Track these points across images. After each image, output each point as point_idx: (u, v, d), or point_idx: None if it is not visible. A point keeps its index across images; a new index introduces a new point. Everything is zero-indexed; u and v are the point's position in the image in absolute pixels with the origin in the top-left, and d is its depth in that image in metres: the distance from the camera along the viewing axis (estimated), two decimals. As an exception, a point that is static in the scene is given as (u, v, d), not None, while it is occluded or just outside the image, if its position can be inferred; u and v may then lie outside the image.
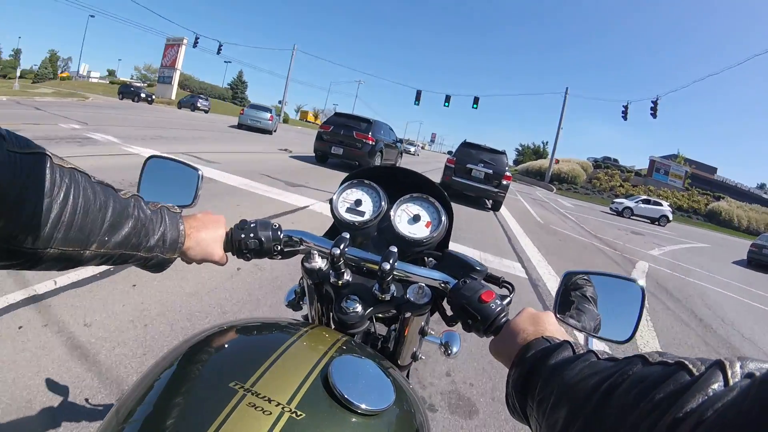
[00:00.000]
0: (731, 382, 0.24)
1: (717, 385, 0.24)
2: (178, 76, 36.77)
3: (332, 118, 9.58)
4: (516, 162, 65.47)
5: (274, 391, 0.38)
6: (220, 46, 30.78)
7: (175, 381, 0.40)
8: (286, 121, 44.58)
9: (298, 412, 0.37)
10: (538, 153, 60.58)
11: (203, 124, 14.88)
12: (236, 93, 48.01)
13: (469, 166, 8.41)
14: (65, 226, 0.39)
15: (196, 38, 29.95)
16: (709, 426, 0.22)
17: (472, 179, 8.33)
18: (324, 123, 9.62)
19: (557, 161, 31.35)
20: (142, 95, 24.22)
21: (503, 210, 8.17)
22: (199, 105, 26.08)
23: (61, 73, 53.14)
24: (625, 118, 24.44)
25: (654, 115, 21.56)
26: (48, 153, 0.37)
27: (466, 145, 8.83)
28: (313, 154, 9.14)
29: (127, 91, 25.77)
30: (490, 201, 8.31)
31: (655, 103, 21.73)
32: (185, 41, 33.93)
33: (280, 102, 42.27)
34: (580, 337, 0.59)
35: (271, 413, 0.36)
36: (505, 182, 7.92)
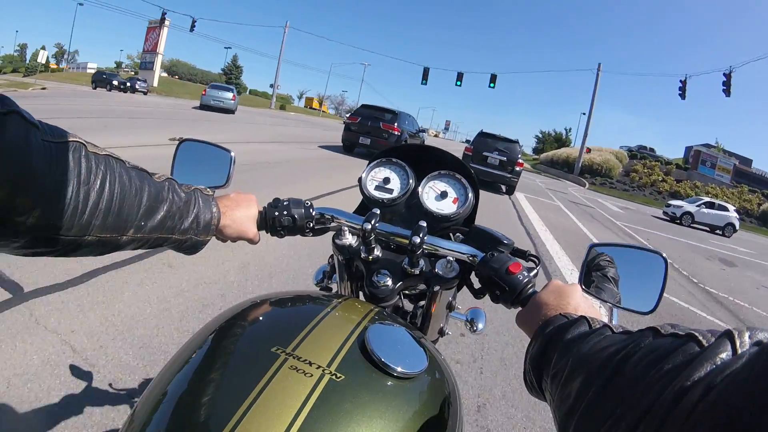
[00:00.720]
0: (740, 351, 0.25)
1: (725, 354, 0.25)
2: (159, 61, 35.76)
3: (359, 109, 10.38)
4: (536, 151, 60.82)
5: (314, 355, 0.41)
6: (194, 22, 29.91)
7: (215, 350, 0.43)
8: (283, 107, 42.13)
9: (338, 374, 0.40)
10: (560, 141, 56.89)
11: (145, 110, 13.43)
12: (230, 78, 46.74)
13: (485, 153, 9.48)
14: (103, 213, 0.41)
15: (193, 22, 29.56)
16: (718, 392, 0.22)
17: (488, 166, 9.22)
18: (352, 115, 10.46)
19: (588, 150, 28.25)
20: (115, 83, 24.72)
21: (544, 237, 5.76)
22: (138, 87, 26.47)
23: (54, 64, 53.93)
24: (683, 96, 21.42)
25: (727, 93, 18.65)
26: (82, 141, 0.40)
27: (482, 135, 9.93)
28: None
29: (100, 80, 25.67)
30: (505, 186, 9.26)
31: (728, 76, 18.40)
32: (168, 23, 33.11)
33: (271, 86, 39.99)
34: (605, 309, 0.60)
35: (312, 375, 0.39)
36: (518, 168, 8.93)
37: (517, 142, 9.79)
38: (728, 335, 0.27)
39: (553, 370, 0.38)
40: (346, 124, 10.01)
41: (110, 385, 1.38)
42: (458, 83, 23.19)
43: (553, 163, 30.03)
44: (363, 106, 10.77)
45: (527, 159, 53.72)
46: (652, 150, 35.47)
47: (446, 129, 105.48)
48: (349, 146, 9.23)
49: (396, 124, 9.90)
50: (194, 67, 45.36)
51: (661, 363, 0.28)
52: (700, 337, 0.28)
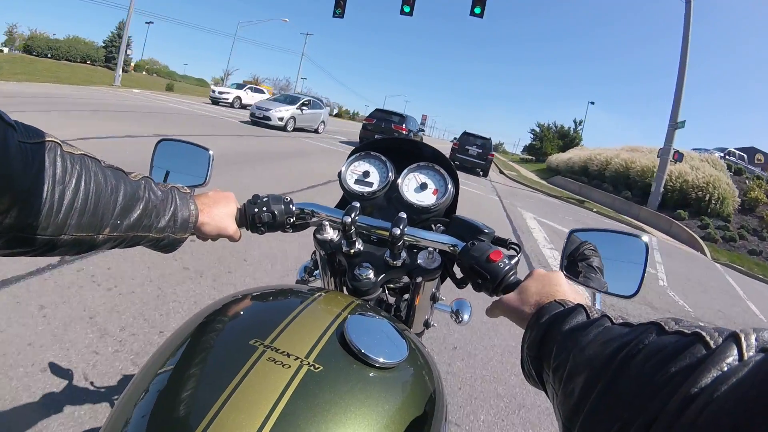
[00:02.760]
0: (746, 356, 0.27)
1: (731, 359, 0.27)
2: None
3: (374, 113, 14.92)
4: (532, 150, 49.46)
5: (292, 347, 0.44)
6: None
7: (195, 345, 0.48)
8: (171, 87, 30.42)
9: (316, 365, 0.43)
10: (567, 137, 44.04)
11: None
12: (112, 54, 34.88)
13: (466, 147, 15.36)
14: (78, 212, 0.44)
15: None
16: (723, 401, 0.24)
17: (469, 155, 15.20)
18: (368, 117, 15.06)
19: (676, 155, 13.83)
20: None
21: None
22: None
23: None
24: None
25: None
26: (58, 141, 0.44)
27: (465, 134, 16.14)
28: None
29: None
30: (480, 170, 15.26)
31: None
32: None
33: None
34: (588, 293, 0.69)
35: (290, 366, 0.42)
36: (489, 157, 15.30)
37: (489, 139, 15.61)
38: (734, 337, 0.28)
39: (555, 362, 0.41)
40: (363, 124, 14.80)
41: (91, 383, 1.48)
42: (477, 10, 12.06)
43: (573, 171, 20.23)
44: (377, 110, 15.18)
45: (514, 159, 50.14)
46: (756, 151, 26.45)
47: (423, 124, 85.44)
48: None
49: (404, 124, 14.08)
50: (56, 38, 36.02)
51: (667, 365, 0.29)
52: (707, 338, 0.29)
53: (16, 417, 1.28)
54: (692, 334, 0.30)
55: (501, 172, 21.13)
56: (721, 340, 0.28)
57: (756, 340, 0.27)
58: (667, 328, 0.33)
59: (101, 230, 0.48)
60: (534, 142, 46.44)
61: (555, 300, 0.48)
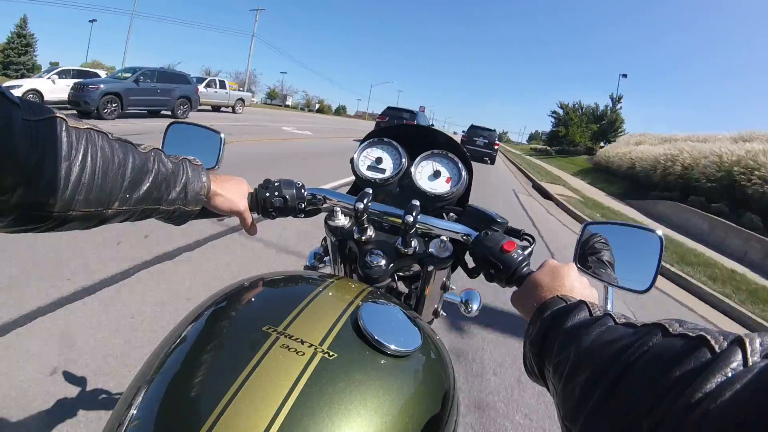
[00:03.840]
0: (750, 361, 0.28)
1: (736, 364, 0.28)
2: None
3: (386, 111, 17.00)
4: (553, 138, 39.21)
5: (306, 334, 0.46)
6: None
7: (207, 331, 0.50)
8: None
9: (330, 353, 0.45)
10: (603, 120, 34.44)
11: None
12: (10, 57, 30.28)
13: (474, 138, 18.32)
14: (86, 187, 0.46)
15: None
16: (725, 407, 0.25)
17: (476, 146, 18.04)
18: (381, 114, 17.10)
19: None
20: None
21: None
22: None
23: None
24: None
25: None
26: (62, 116, 0.45)
27: (472, 127, 19.21)
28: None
29: None
30: (488, 158, 18.14)
31: None
32: None
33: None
34: (601, 287, 0.72)
35: (304, 354, 0.44)
36: (495, 147, 18.37)
37: (494, 130, 18.80)
38: (739, 342, 0.29)
39: (556, 359, 0.42)
40: (377, 122, 17.08)
41: (105, 390, 1.56)
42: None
43: (649, 177, 13.64)
44: (389, 108, 17.37)
45: (524, 149, 48.35)
46: None
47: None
48: None
49: (415, 121, 15.88)
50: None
51: (671, 369, 0.30)
52: (712, 341, 0.30)
53: (28, 423, 1.39)
54: (697, 338, 0.31)
55: (536, 186, 12.73)
56: (726, 344, 0.30)
57: (761, 345, 0.29)
58: (671, 330, 0.34)
59: (110, 204, 0.50)
60: (557, 129, 35.88)
61: (558, 295, 0.51)
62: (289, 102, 72.90)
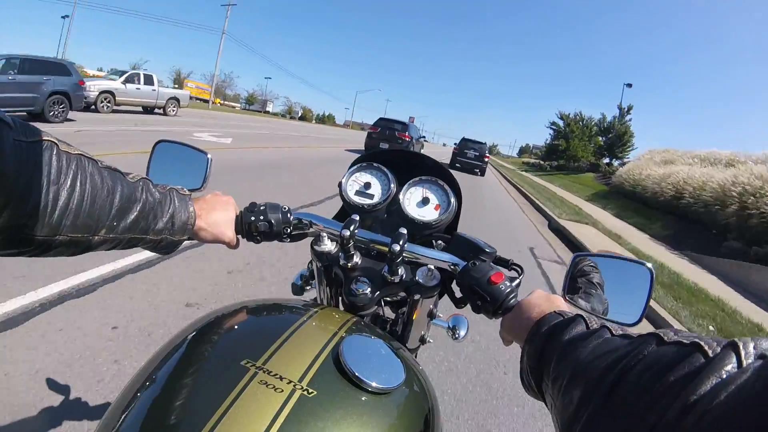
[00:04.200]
0: (744, 364, 0.29)
1: (730, 367, 0.29)
2: None
3: (378, 122, 17.33)
4: (551, 152, 35.05)
5: (285, 369, 0.46)
6: None
7: (185, 361, 0.50)
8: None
9: (310, 390, 0.44)
10: (610, 133, 30.95)
11: None
12: None
13: (465, 151, 20.20)
14: (73, 213, 0.47)
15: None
16: (721, 408, 0.26)
17: (467, 158, 19.91)
18: (372, 125, 17.56)
19: None
20: None
21: None
22: None
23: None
24: None
25: None
26: (54, 140, 0.46)
27: (464, 140, 20.79)
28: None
29: None
30: (478, 170, 19.93)
31: None
32: None
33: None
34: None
35: (282, 390, 0.43)
36: (485, 159, 20.18)
37: (485, 143, 20.48)
38: (733, 346, 0.30)
39: (554, 373, 0.44)
40: (368, 132, 17.36)
41: (83, 400, 1.60)
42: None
43: (695, 213, 10.17)
44: (381, 119, 17.75)
45: (515, 163, 47.34)
46: None
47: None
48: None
49: (407, 132, 16.43)
50: None
51: (666, 375, 0.31)
52: (705, 347, 0.31)
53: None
54: (691, 344, 0.33)
55: (555, 227, 8.73)
56: (719, 348, 0.31)
57: (754, 348, 0.30)
58: (665, 338, 0.35)
59: (97, 231, 0.51)
60: (556, 142, 31.84)
61: (554, 311, 0.52)
62: (269, 108, 71.32)
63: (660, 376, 0.31)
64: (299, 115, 77.23)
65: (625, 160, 27.96)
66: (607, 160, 29.47)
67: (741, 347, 0.29)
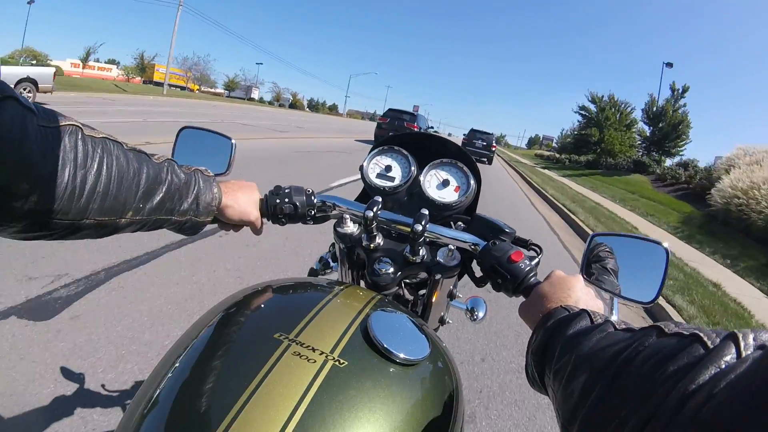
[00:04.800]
0: (744, 354, 0.30)
1: (729, 357, 0.30)
2: None
3: (387, 113, 19.20)
4: (579, 143, 28.36)
5: (317, 341, 0.49)
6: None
7: (217, 337, 0.53)
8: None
9: (341, 360, 0.47)
10: (661, 119, 23.72)
11: None
12: None
13: (474, 141, 22.36)
14: (100, 196, 0.49)
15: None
16: (720, 397, 0.27)
17: (475, 147, 21.82)
18: (382, 116, 19.75)
19: None
20: None
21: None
22: None
23: None
24: None
25: None
26: (79, 124, 0.48)
27: (472, 131, 23.26)
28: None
29: None
30: (486, 159, 21.95)
31: None
32: None
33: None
34: (607, 298, 0.74)
35: (315, 361, 0.46)
36: (492, 149, 22.45)
37: (492, 134, 22.60)
38: (732, 337, 0.32)
39: (556, 365, 0.46)
40: (378, 123, 19.04)
41: (102, 386, 1.67)
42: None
43: None
44: (390, 110, 19.11)
45: (527, 154, 44.47)
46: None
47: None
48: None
49: (415, 123, 17.50)
50: None
51: (665, 365, 0.32)
52: (705, 338, 0.33)
53: (25, 420, 1.45)
54: (691, 335, 0.34)
55: None
56: (719, 340, 0.32)
57: (754, 339, 0.31)
58: (666, 330, 0.37)
59: (124, 214, 0.53)
60: (586, 131, 24.85)
61: (561, 305, 0.55)
62: (254, 95, 67.68)
63: (660, 366, 0.32)
64: (290, 102, 72.50)
65: (682, 158, 21.68)
66: (654, 155, 22.36)
67: (740, 338, 0.30)
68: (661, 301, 4.04)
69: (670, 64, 29.29)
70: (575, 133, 31.03)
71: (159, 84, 43.07)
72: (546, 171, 24.33)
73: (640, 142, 25.74)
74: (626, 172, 21.09)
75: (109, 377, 1.57)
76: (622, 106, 26.90)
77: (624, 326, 0.43)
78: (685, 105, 23.34)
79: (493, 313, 2.68)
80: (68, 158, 0.43)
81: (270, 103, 67.65)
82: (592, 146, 26.71)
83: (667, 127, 23.50)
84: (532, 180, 16.05)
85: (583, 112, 28.61)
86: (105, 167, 0.47)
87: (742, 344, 0.29)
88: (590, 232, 1.06)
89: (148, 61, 48.40)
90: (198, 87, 56.08)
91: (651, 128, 24.62)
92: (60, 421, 1.36)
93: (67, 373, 1.58)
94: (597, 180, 19.73)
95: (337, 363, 0.45)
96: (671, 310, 4.11)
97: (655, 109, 24.23)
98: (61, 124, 0.44)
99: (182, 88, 49.88)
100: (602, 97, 27.14)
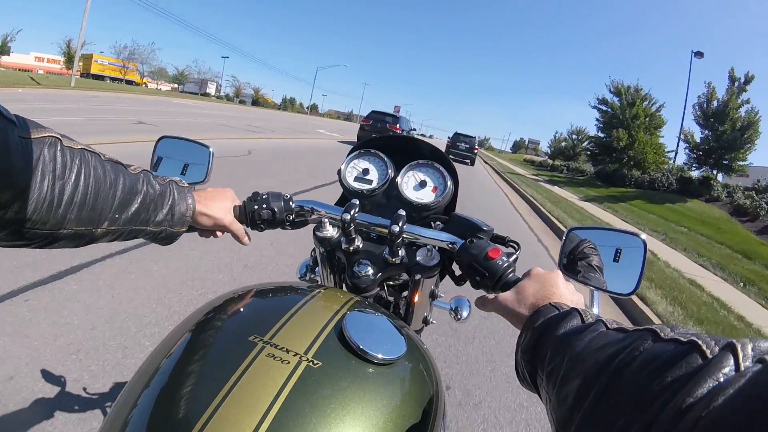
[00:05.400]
0: (742, 366, 0.31)
1: (728, 369, 0.31)
2: None
3: (370, 114, 20.17)
4: (603, 149, 21.74)
5: (291, 343, 0.53)
6: None
7: (194, 342, 0.57)
8: None
9: (315, 361, 0.51)
10: (725, 118, 15.91)
11: None
12: None
13: (457, 143, 25.99)
14: (77, 206, 0.52)
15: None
16: (717, 412, 0.27)
17: (459, 149, 25.24)
18: (365, 118, 20.55)
19: None
20: None
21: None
22: None
23: None
24: None
25: None
26: (57, 135, 0.51)
27: (456, 134, 26.88)
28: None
29: None
30: (468, 160, 25.93)
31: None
32: None
33: None
34: (586, 291, 0.81)
35: (289, 362, 0.50)
36: (475, 151, 26.00)
37: (475, 137, 25.74)
38: (731, 347, 0.32)
39: (548, 367, 0.48)
40: (361, 125, 20.72)
41: (84, 389, 1.74)
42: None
43: None
44: (373, 111, 20.07)
45: (514, 159, 43.64)
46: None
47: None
48: None
49: (398, 124, 18.38)
50: None
51: (663, 374, 0.33)
52: (704, 346, 0.34)
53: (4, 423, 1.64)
54: (688, 343, 0.35)
55: None
56: (717, 349, 0.33)
57: (752, 350, 0.32)
58: (662, 335, 0.38)
59: (100, 224, 0.56)
60: (610, 135, 18.36)
61: (550, 303, 0.57)
62: (210, 90, 62.96)
63: (657, 375, 0.33)
64: (252, 99, 65.94)
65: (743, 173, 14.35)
66: (713, 174, 16.18)
67: (739, 349, 0.31)
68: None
69: (700, 54, 22.61)
70: (596, 136, 23.94)
71: (100, 77, 39.84)
72: (556, 189, 16.26)
73: (685, 150, 18.85)
74: (674, 194, 15.23)
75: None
76: (652, 102, 21.06)
77: (616, 326, 0.44)
78: (748, 101, 16.54)
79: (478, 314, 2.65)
80: (48, 169, 0.46)
81: (228, 98, 59.55)
82: (619, 153, 20.52)
83: (732, 130, 16.41)
84: (551, 215, 8.40)
85: (603, 107, 22.26)
86: (83, 178, 0.49)
87: (740, 355, 0.30)
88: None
89: (75, 51, 42.49)
90: (143, 80, 50.41)
91: (706, 132, 17.45)
92: (40, 424, 1.40)
93: (47, 376, 1.64)
94: (641, 208, 13.32)
95: (311, 364, 0.48)
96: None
97: (716, 104, 16.83)
98: (40, 135, 0.46)
99: (128, 82, 45.18)
100: (628, 87, 20.81)
